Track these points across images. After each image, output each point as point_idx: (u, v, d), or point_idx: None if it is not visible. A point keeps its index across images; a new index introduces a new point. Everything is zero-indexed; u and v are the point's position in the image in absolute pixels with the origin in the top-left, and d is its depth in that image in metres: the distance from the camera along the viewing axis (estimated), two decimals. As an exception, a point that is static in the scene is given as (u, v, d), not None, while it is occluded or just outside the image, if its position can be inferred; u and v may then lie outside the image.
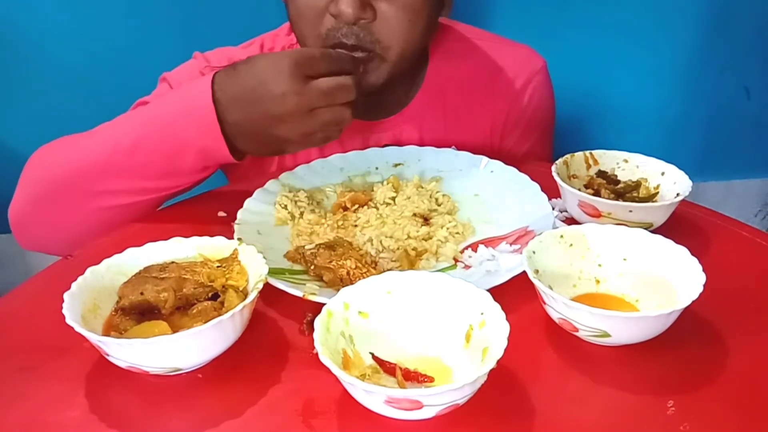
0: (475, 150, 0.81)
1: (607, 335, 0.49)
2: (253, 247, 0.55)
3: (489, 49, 0.92)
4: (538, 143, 0.96)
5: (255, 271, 0.53)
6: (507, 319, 0.45)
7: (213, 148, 0.66)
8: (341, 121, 0.64)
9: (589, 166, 0.74)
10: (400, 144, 0.87)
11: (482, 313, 0.47)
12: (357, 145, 0.88)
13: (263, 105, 0.62)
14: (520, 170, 0.76)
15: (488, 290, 0.48)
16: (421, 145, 0.84)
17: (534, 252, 0.55)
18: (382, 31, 0.72)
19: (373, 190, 0.74)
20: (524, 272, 0.52)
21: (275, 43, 0.90)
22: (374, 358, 0.48)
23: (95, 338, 0.45)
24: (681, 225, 0.68)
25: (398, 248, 0.64)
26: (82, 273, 0.52)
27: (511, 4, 1.48)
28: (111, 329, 0.50)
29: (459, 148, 0.83)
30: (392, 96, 0.88)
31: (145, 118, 0.70)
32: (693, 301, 0.48)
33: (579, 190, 0.67)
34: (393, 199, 0.73)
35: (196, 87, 0.66)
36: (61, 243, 0.76)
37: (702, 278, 0.50)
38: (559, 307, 0.50)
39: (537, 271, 0.54)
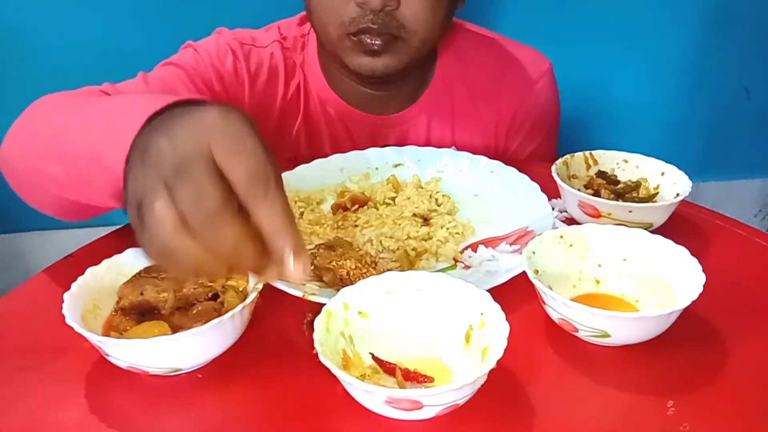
0: (480, 150, 0.82)
1: (607, 335, 0.49)
2: (253, 247, 0.55)
3: (496, 50, 0.93)
4: (543, 145, 0.97)
5: (255, 271, 0.53)
6: (507, 319, 0.45)
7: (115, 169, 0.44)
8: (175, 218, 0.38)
9: (588, 167, 0.74)
10: (406, 140, 0.87)
11: (482, 314, 0.47)
12: (365, 139, 0.89)
13: (160, 138, 0.40)
14: (520, 170, 0.76)
15: (488, 290, 0.48)
16: (427, 142, 0.85)
17: (534, 252, 0.55)
18: (407, 17, 0.74)
19: (372, 190, 0.74)
20: (524, 272, 0.52)
21: (288, 32, 0.90)
22: (374, 358, 0.48)
23: (95, 338, 0.45)
24: (681, 225, 0.68)
25: (398, 248, 0.64)
26: (82, 273, 0.52)
27: (513, 6, 1.48)
28: (111, 329, 0.50)
29: (464, 148, 0.83)
30: (401, 92, 0.89)
31: (104, 108, 0.55)
32: (693, 302, 0.48)
33: (579, 190, 0.67)
34: (393, 199, 0.73)
35: (146, 101, 0.46)
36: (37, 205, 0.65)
37: (702, 278, 0.50)
38: (558, 307, 0.50)
39: (537, 272, 0.53)
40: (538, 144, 0.96)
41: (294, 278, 0.40)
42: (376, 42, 0.74)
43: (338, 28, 0.75)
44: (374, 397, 0.41)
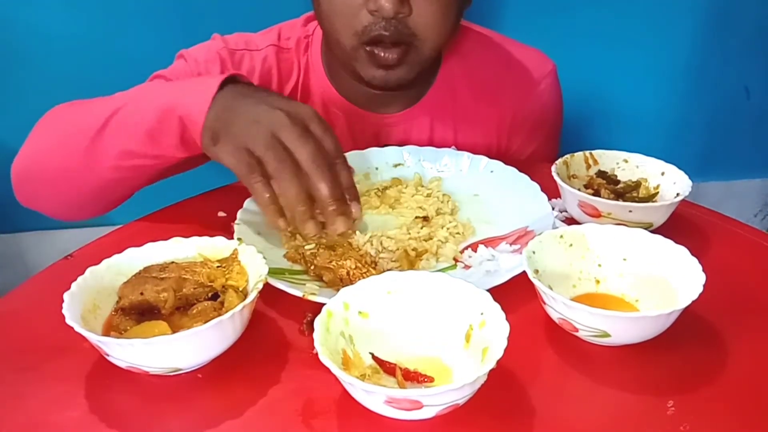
0: (482, 149, 0.82)
1: (607, 335, 0.49)
2: (253, 247, 0.55)
3: (499, 51, 0.93)
4: (544, 145, 0.97)
5: (255, 271, 0.53)
6: (507, 319, 0.45)
7: (192, 114, 0.62)
8: (291, 175, 0.58)
9: (588, 166, 0.74)
10: (409, 139, 0.87)
11: (482, 313, 0.47)
12: (368, 137, 0.89)
13: (255, 102, 0.61)
14: (520, 170, 0.76)
15: (488, 290, 0.48)
16: (430, 141, 0.85)
17: (534, 252, 0.55)
18: (418, 25, 0.74)
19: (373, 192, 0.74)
20: (524, 272, 0.52)
21: (292, 33, 0.90)
22: (374, 358, 0.48)
23: (95, 338, 0.45)
24: (681, 225, 0.68)
25: (398, 248, 0.64)
26: (82, 273, 0.52)
27: (515, 8, 1.48)
28: (111, 329, 0.50)
29: (466, 147, 0.83)
30: (406, 92, 0.89)
31: (152, 86, 0.70)
32: (693, 301, 0.48)
33: (579, 190, 0.67)
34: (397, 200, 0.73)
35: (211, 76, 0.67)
36: (57, 203, 0.77)
37: (702, 278, 0.50)
38: (559, 307, 0.50)
39: (537, 271, 0.54)
40: (538, 145, 0.96)
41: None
42: (391, 56, 0.75)
43: (351, 38, 0.75)
44: (374, 397, 0.41)
